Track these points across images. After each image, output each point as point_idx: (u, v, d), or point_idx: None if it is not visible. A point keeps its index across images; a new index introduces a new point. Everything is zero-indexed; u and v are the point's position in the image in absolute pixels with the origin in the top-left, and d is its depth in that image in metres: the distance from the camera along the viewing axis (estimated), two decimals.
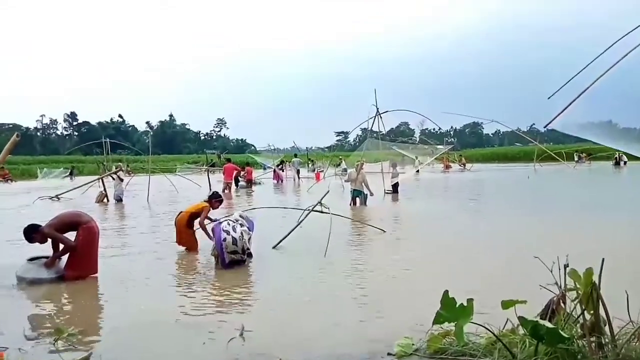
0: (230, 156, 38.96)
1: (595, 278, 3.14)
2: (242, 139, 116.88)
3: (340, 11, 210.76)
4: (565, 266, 3.40)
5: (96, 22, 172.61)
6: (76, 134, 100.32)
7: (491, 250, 8.29)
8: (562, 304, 3.47)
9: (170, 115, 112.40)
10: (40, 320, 5.15)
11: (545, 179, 28.53)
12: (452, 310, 3.22)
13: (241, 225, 7.38)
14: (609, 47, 4.82)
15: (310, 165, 41.55)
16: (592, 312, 3.15)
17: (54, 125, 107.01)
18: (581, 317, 3.20)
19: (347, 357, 3.85)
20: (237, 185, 25.70)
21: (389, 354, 3.77)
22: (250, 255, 7.36)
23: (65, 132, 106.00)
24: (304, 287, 6.21)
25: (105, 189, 19.27)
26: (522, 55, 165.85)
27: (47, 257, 6.66)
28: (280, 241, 8.52)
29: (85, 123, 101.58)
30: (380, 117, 20.24)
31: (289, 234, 8.65)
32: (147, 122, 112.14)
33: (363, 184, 15.38)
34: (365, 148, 20.89)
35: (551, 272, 3.46)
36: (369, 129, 20.88)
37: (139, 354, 4.14)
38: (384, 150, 23.07)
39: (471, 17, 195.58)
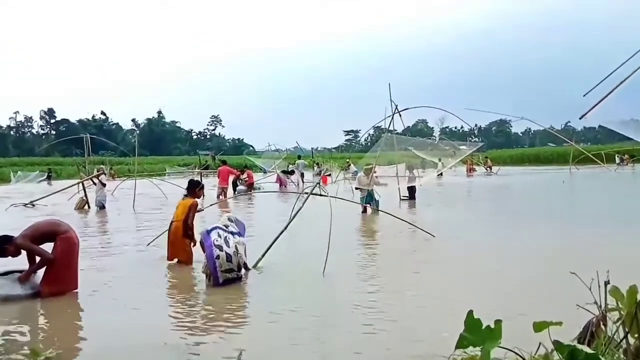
0: (226, 158, 39.13)
1: None
2: (239, 139, 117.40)
3: (346, 4, 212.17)
4: (606, 283, 3.38)
5: (75, 14, 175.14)
6: (54, 133, 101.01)
7: (521, 265, 8.24)
8: (602, 326, 3.44)
9: (159, 112, 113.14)
10: (13, 341, 5.18)
11: (583, 184, 28.40)
12: (477, 332, 3.20)
13: (232, 233, 7.36)
14: None
15: (315, 168, 41.58)
16: (636, 335, 3.12)
17: (29, 124, 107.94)
18: (624, 341, 3.18)
19: None
20: (234, 190, 25.77)
21: None
22: (246, 268, 7.36)
23: (42, 131, 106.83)
24: (302, 311, 6.17)
25: (86, 195, 19.37)
26: (556, 48, 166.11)
27: (21, 271, 6.68)
28: (263, 255, 8.13)
29: (64, 121, 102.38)
30: (400, 115, 20.11)
31: (271, 244, 8.31)
32: (133, 120, 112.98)
33: (374, 187, 15.34)
34: (380, 148, 20.79)
35: (590, 289, 3.44)
36: (387, 127, 20.71)
37: None
38: (399, 152, 22.96)
39: (500, 4, 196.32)
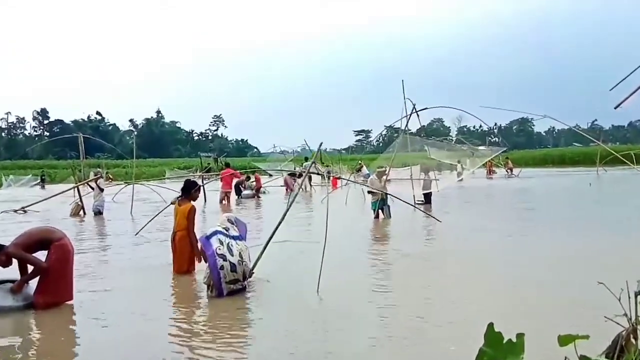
0: (230, 160, 39.34)
1: None
2: (243, 140, 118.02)
3: None
4: (637, 294, 3.36)
5: (71, 11, 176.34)
6: (47, 134, 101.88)
7: (544, 274, 8.18)
8: (632, 340, 3.42)
9: (158, 112, 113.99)
10: (5, 355, 5.20)
11: (611, 187, 28.19)
12: (498, 347, 3.19)
13: (234, 238, 7.25)
14: None
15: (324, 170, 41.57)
16: None
17: (21, 125, 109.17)
18: None
19: None
20: (238, 194, 25.83)
21: None
22: (251, 275, 7.32)
23: (34, 133, 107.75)
24: (309, 326, 6.17)
25: (81, 200, 19.48)
26: (583, 43, 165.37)
27: (13, 281, 6.72)
28: (257, 260, 7.90)
29: (58, 122, 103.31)
30: (417, 114, 20.05)
31: (264, 249, 8.13)
32: (131, 120, 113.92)
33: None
34: (396, 150, 20.73)
35: (619, 300, 3.41)
36: (403, 127, 20.65)
37: None
38: (413, 153, 22.91)
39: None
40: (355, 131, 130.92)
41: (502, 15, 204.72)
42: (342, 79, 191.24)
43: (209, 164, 37.11)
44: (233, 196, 24.55)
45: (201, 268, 7.88)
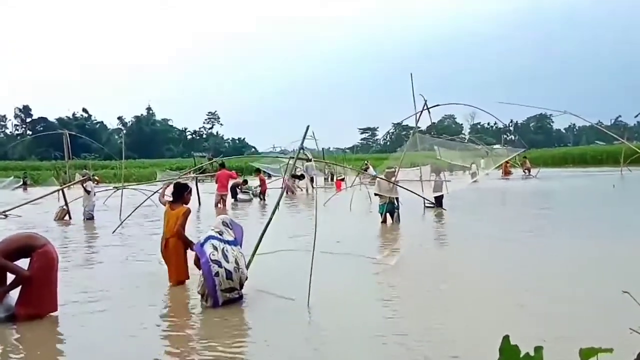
0: (226, 160, 39.13)
1: None
2: (240, 139, 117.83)
3: None
4: None
5: (51, 2, 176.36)
6: (30, 132, 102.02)
7: (564, 283, 8.16)
8: None
9: (149, 109, 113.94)
10: None
11: (636, 189, 28.11)
12: None
13: (229, 243, 7.21)
14: None
15: (326, 170, 41.48)
16: None
17: (2, 123, 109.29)
18: None
19: None
20: (234, 198, 25.71)
21: None
22: (246, 278, 7.24)
23: (16, 132, 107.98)
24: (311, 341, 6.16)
25: (67, 203, 19.45)
26: (607, 36, 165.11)
27: None
28: (248, 265, 8.06)
29: (42, 119, 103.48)
30: (429, 112, 19.97)
31: (253, 253, 8.09)
32: (120, 118, 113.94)
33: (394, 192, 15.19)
34: (406, 149, 20.66)
35: None
36: (415, 125, 20.58)
37: None
38: (423, 152, 22.84)
39: None
40: (360, 129, 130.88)
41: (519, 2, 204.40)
42: (345, 72, 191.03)
43: (202, 164, 36.70)
44: (229, 200, 24.42)
45: (194, 275, 7.83)
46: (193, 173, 27.20)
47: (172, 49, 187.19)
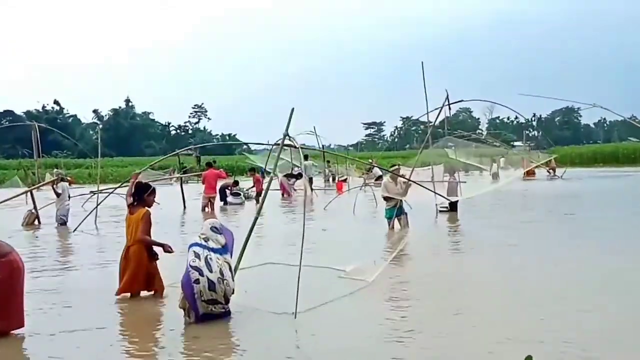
0: (215, 158, 39.06)
1: None
2: (230, 135, 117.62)
3: None
4: None
5: None
6: None
7: (591, 297, 8.17)
8: None
9: (127, 101, 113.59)
10: None
11: None
12: None
13: (215, 250, 7.17)
14: None
15: (326, 170, 41.45)
16: None
17: None
18: None
19: None
20: (224, 200, 25.59)
21: None
22: (232, 292, 7.19)
23: None
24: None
25: (35, 207, 19.41)
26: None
27: None
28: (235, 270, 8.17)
29: (8, 113, 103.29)
30: (450, 107, 19.77)
31: (239, 261, 8.03)
32: (95, 111, 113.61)
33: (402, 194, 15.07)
34: (422, 146, 20.52)
35: None
36: (433, 123, 20.42)
37: None
38: (437, 150, 22.76)
39: None
40: (364, 124, 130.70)
41: None
42: (347, 61, 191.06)
43: (182, 162, 36.15)
44: (218, 202, 24.32)
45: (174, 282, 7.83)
46: (177, 172, 27.09)
47: (155, 36, 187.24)
